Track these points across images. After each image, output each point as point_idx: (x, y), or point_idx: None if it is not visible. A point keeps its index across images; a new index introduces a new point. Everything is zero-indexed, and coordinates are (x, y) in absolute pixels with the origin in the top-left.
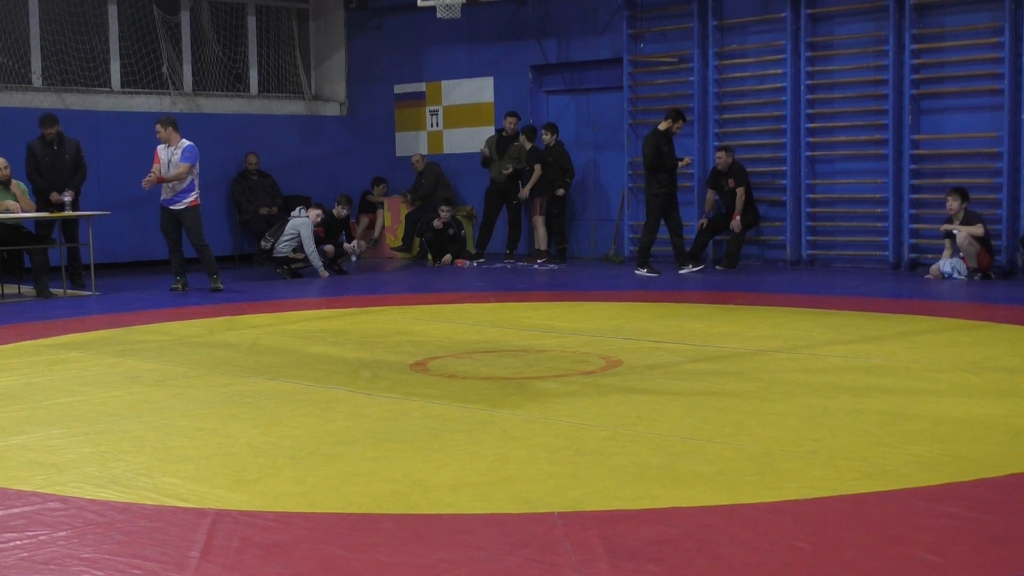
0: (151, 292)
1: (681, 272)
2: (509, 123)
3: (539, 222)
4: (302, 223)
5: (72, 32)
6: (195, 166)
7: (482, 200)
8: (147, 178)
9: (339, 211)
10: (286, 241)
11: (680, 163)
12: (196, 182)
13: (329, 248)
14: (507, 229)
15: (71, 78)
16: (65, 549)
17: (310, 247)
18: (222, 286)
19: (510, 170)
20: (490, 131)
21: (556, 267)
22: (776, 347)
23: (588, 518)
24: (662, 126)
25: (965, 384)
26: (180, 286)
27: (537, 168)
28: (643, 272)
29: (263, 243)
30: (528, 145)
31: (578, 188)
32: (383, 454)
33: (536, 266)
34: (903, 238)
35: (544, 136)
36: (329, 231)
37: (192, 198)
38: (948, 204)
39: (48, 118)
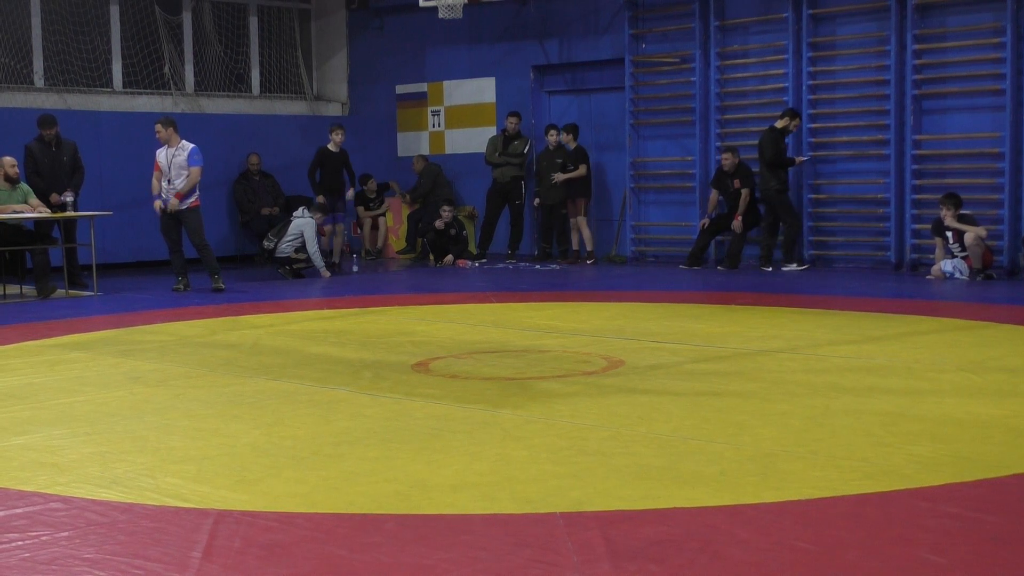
0: (152, 292)
1: (797, 268)
2: (511, 123)
3: (582, 223)
4: (306, 223)
5: (74, 32)
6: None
7: (483, 200)
8: (156, 204)
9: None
10: (289, 241)
11: (796, 160)
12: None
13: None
14: (508, 229)
15: (73, 78)
16: (67, 549)
17: (313, 247)
18: (224, 286)
19: (562, 178)
20: (492, 131)
21: (558, 267)
22: (778, 347)
23: (590, 518)
24: (779, 124)
25: (967, 384)
26: (182, 286)
27: (582, 168)
28: (793, 267)
29: (266, 243)
30: (526, 143)
31: None
32: (385, 454)
33: (575, 265)
34: (905, 238)
35: (549, 137)
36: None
37: (192, 199)
38: (942, 213)
39: (47, 119)
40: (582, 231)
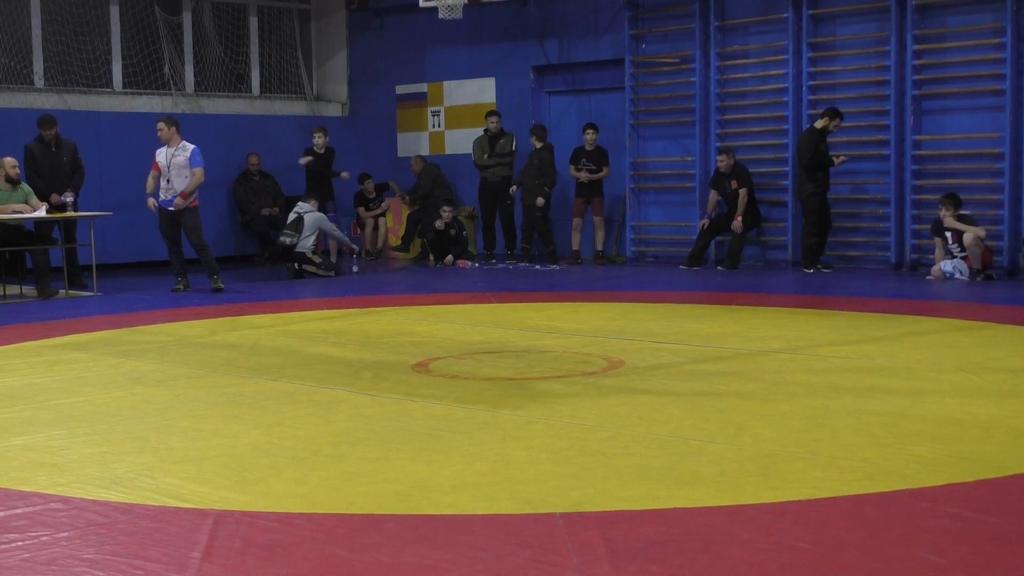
0: (152, 293)
1: (807, 271)
2: (492, 123)
3: (600, 223)
4: (319, 217)
5: (74, 33)
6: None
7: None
8: (150, 202)
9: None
10: (308, 236)
11: (836, 160)
12: None
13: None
14: (506, 230)
15: (73, 79)
16: (67, 550)
17: (338, 232)
18: (223, 286)
19: (588, 178)
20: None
21: (558, 268)
22: (778, 348)
23: (590, 519)
24: (818, 124)
25: (967, 385)
26: (182, 287)
27: (606, 170)
28: (812, 271)
29: (287, 240)
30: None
31: None
32: (385, 455)
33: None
34: (905, 238)
35: (533, 140)
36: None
37: (191, 199)
38: (941, 213)
39: (47, 119)
40: (598, 231)
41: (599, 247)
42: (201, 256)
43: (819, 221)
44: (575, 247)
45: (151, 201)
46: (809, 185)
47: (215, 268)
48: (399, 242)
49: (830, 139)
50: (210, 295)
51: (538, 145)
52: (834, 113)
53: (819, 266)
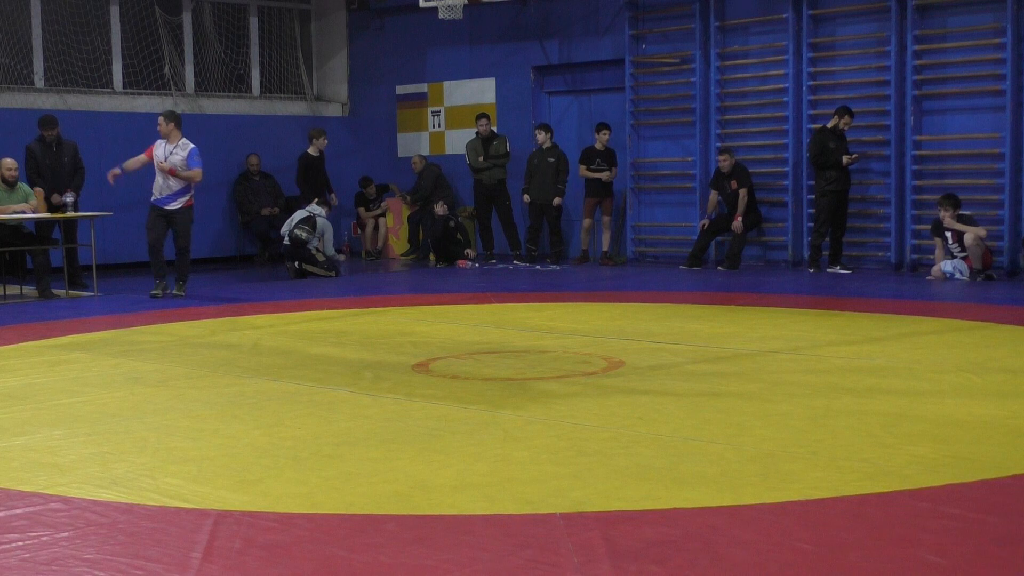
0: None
1: (829, 271)
2: (482, 125)
3: (608, 223)
4: (328, 225)
5: (74, 33)
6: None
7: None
8: (115, 170)
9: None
10: (318, 237)
11: (845, 159)
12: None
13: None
14: (505, 230)
15: (73, 79)
16: (67, 550)
17: (331, 249)
18: (183, 294)
19: (608, 177)
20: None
21: (559, 268)
22: (778, 348)
23: (590, 519)
24: (830, 123)
25: (967, 385)
26: (160, 292)
27: (614, 170)
28: (812, 271)
29: (302, 234)
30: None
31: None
32: (385, 455)
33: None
34: (905, 239)
35: (538, 136)
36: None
37: (187, 198)
38: (940, 214)
39: (48, 120)
40: (606, 231)
41: (606, 247)
42: (180, 259)
43: (828, 221)
44: (584, 247)
45: (115, 170)
46: (820, 183)
47: (186, 276)
48: (407, 247)
49: (849, 138)
50: (209, 296)
51: (547, 141)
52: (844, 111)
53: (838, 267)
